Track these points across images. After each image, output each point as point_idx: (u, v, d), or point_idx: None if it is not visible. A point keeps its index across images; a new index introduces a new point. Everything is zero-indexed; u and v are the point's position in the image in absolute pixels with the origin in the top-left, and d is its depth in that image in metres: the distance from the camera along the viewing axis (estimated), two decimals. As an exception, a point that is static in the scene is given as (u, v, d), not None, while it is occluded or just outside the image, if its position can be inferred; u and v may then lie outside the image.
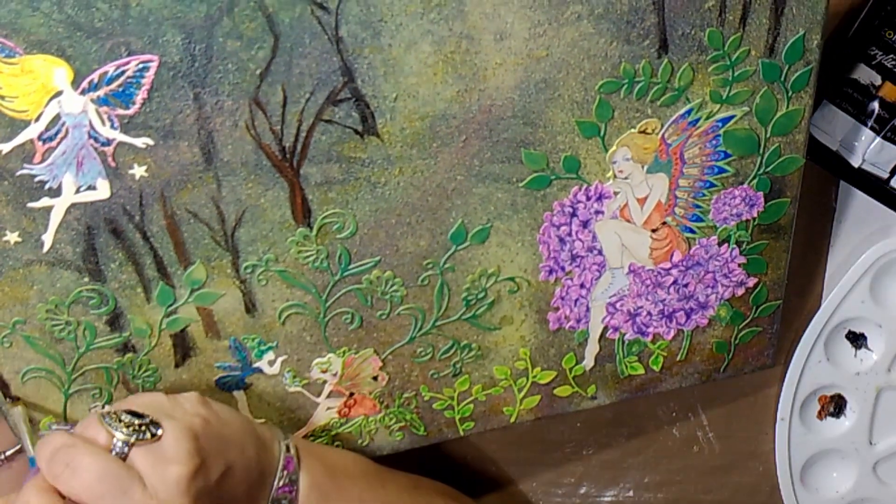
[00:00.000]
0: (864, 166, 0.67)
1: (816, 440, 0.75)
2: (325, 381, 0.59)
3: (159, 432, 0.49)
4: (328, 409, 0.61)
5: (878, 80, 0.65)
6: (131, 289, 0.53)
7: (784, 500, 0.75)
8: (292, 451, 0.55)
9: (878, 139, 0.66)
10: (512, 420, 0.64)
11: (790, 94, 0.56)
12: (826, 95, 0.65)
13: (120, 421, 0.49)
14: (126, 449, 0.48)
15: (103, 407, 0.56)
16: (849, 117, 0.66)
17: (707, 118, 0.56)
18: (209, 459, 0.49)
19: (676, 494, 0.75)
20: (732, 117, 0.56)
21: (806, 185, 0.61)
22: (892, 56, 0.63)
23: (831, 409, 0.74)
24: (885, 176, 0.67)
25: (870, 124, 0.65)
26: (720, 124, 0.56)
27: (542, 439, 0.74)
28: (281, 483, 0.53)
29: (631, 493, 0.75)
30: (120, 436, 0.48)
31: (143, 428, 0.49)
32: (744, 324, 0.65)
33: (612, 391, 0.65)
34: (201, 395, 0.53)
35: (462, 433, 0.64)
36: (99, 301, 0.53)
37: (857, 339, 0.73)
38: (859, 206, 0.70)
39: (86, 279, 0.52)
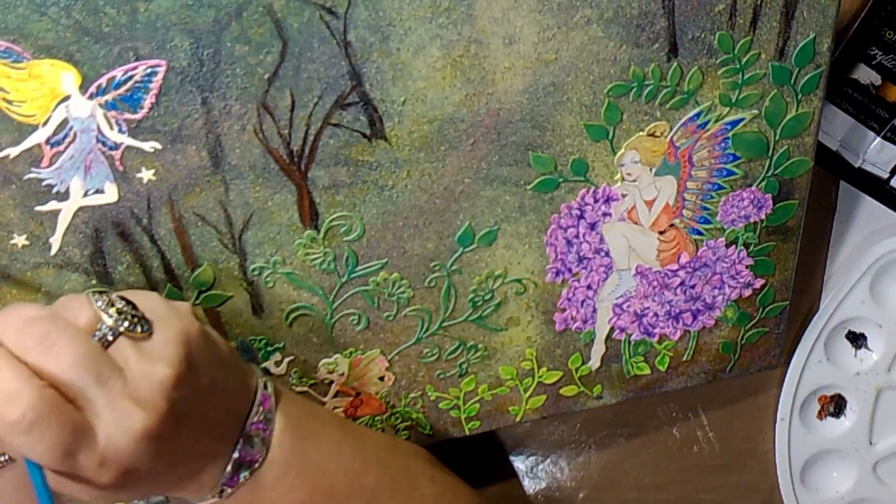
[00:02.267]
0: (864, 166, 0.67)
1: (816, 440, 0.75)
2: (331, 382, 0.59)
3: (149, 329, 0.44)
4: (335, 408, 0.61)
5: (878, 80, 0.65)
6: (139, 291, 0.53)
7: (784, 500, 0.75)
8: (270, 389, 0.51)
9: (878, 139, 0.66)
10: (518, 419, 0.65)
11: (800, 97, 0.55)
12: (826, 95, 0.65)
13: (111, 305, 0.44)
14: (111, 337, 0.43)
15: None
16: (849, 117, 0.66)
17: (716, 121, 0.55)
18: (196, 370, 0.45)
19: (676, 494, 0.76)
20: (742, 120, 0.56)
21: (806, 185, 0.61)
22: (892, 56, 0.63)
23: (831, 409, 0.74)
24: (885, 176, 0.67)
25: (870, 124, 0.65)
26: (729, 127, 0.56)
27: (543, 440, 0.74)
28: (255, 419, 0.49)
29: (631, 494, 0.75)
30: (108, 320, 0.43)
31: (136, 319, 0.44)
32: (750, 324, 0.65)
33: (618, 391, 0.65)
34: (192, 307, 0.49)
35: (468, 432, 0.64)
36: (106, 303, 0.53)
37: (857, 339, 0.73)
38: (859, 206, 0.70)
39: (93, 282, 0.52)
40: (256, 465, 0.49)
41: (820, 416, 0.75)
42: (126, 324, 0.44)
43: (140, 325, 0.44)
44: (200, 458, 0.48)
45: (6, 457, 0.47)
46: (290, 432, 0.51)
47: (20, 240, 0.50)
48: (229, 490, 0.49)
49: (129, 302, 0.45)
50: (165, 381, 0.44)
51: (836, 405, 0.74)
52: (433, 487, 0.58)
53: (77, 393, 0.42)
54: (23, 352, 0.41)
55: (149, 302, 0.46)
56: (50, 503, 0.42)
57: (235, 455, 0.48)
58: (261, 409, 0.50)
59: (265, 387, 0.51)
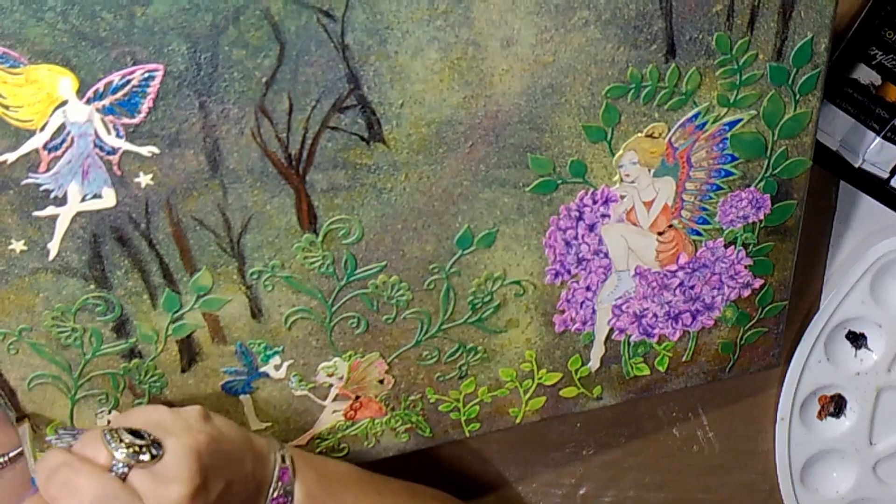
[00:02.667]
0: (864, 166, 0.67)
1: (816, 440, 0.75)
2: (330, 385, 0.59)
3: (160, 453, 0.48)
4: (334, 411, 0.61)
5: (878, 80, 0.64)
6: (137, 295, 0.53)
7: (784, 500, 0.75)
8: (287, 461, 0.54)
9: (878, 139, 0.65)
10: (518, 421, 0.64)
11: (798, 97, 0.55)
12: (826, 95, 0.65)
13: (121, 441, 0.48)
14: (126, 469, 0.47)
15: (109, 412, 0.56)
16: (849, 117, 0.66)
17: (714, 122, 0.55)
18: (210, 478, 0.49)
19: (676, 494, 0.75)
20: (740, 121, 0.56)
21: (805, 185, 0.61)
22: (892, 56, 0.63)
23: (831, 409, 0.74)
24: (885, 176, 0.67)
25: (870, 124, 0.65)
26: (727, 128, 0.56)
27: (543, 440, 0.74)
28: (276, 494, 0.53)
29: (631, 493, 0.75)
30: (120, 456, 0.48)
31: (144, 449, 0.48)
32: (749, 324, 0.64)
33: (618, 392, 0.65)
34: (203, 408, 0.53)
35: (468, 434, 0.64)
36: (105, 308, 0.53)
37: (857, 339, 0.73)
38: (859, 206, 0.70)
39: (92, 286, 0.52)
40: None
41: (820, 416, 0.74)
42: (136, 456, 0.47)
43: (150, 452, 0.48)
44: None
45: (5, 457, 0.48)
46: (310, 500, 0.54)
47: (18, 245, 0.50)
48: None
49: (136, 433, 0.48)
50: (181, 500, 0.47)
51: (836, 405, 0.74)
52: None
53: None
54: (50, 499, 0.46)
55: (158, 418, 0.50)
56: None
57: None
58: (280, 483, 0.53)
59: (283, 460, 0.54)
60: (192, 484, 0.48)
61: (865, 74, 0.64)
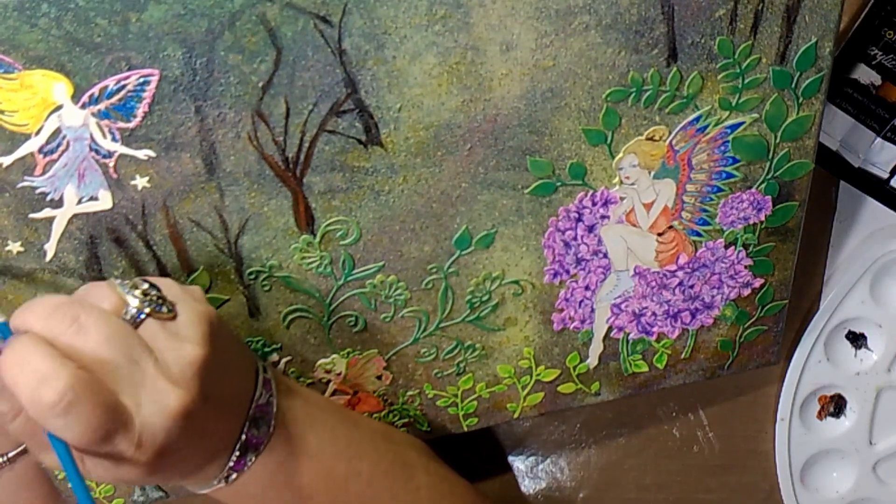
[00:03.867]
0: (864, 166, 0.66)
1: (816, 440, 0.75)
2: (328, 381, 0.60)
3: (174, 311, 0.44)
4: (332, 406, 0.61)
5: (878, 80, 0.64)
6: (134, 295, 0.53)
7: (784, 500, 0.76)
8: (269, 373, 0.51)
9: (878, 139, 0.65)
10: (515, 416, 0.65)
11: (801, 100, 0.55)
12: (826, 95, 0.65)
13: (136, 287, 0.44)
14: (140, 317, 0.43)
15: None
16: (849, 117, 0.65)
17: (716, 125, 0.55)
18: (219, 350, 0.45)
19: (677, 494, 0.76)
20: (741, 124, 0.55)
21: (805, 185, 0.61)
22: (892, 56, 0.63)
23: (831, 409, 0.74)
24: (885, 176, 0.67)
25: (870, 124, 0.65)
26: (729, 130, 0.55)
27: (543, 440, 0.74)
28: (261, 401, 0.49)
29: (631, 494, 0.76)
30: (134, 302, 0.43)
31: (161, 300, 0.44)
32: (749, 323, 0.64)
33: (616, 388, 0.65)
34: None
35: (465, 429, 0.64)
36: (102, 308, 0.53)
37: (857, 339, 0.73)
38: (859, 206, 0.70)
39: (89, 287, 0.52)
40: (262, 448, 0.49)
41: (820, 416, 0.75)
42: (152, 305, 0.43)
43: (165, 307, 0.44)
44: (217, 440, 0.47)
45: (5, 458, 0.47)
46: (289, 415, 0.51)
47: (15, 246, 0.50)
48: (235, 475, 0.48)
49: (152, 284, 0.44)
50: (196, 360, 0.43)
51: (836, 405, 0.74)
52: (428, 477, 0.58)
53: (110, 373, 0.41)
54: (53, 336, 0.40)
55: (167, 286, 0.46)
56: (82, 484, 0.41)
57: (243, 437, 0.48)
58: (264, 391, 0.49)
59: (265, 370, 0.51)
60: (207, 347, 0.44)
61: (865, 74, 0.63)
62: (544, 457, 0.74)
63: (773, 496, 0.75)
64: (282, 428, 0.50)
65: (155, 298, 0.44)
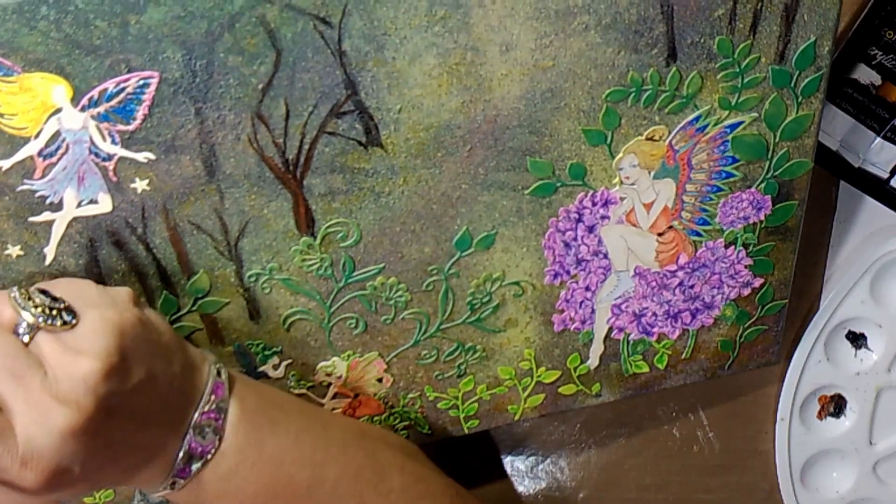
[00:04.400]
0: (864, 166, 0.66)
1: (816, 440, 0.75)
2: (329, 384, 0.59)
3: (73, 321, 0.43)
4: (333, 409, 0.61)
5: (878, 80, 0.64)
6: (134, 299, 0.53)
7: (784, 500, 0.76)
8: (223, 376, 0.49)
9: (878, 139, 0.65)
10: (516, 418, 0.65)
11: (800, 99, 0.55)
12: (826, 95, 0.65)
13: (30, 300, 0.43)
14: (30, 332, 0.42)
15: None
16: (849, 117, 0.65)
17: (716, 124, 0.55)
18: (130, 362, 0.43)
19: (677, 494, 0.76)
20: (741, 123, 0.55)
21: (805, 185, 0.61)
22: (892, 56, 0.63)
23: (831, 409, 0.74)
24: (885, 176, 0.67)
25: (870, 124, 0.65)
26: (728, 130, 0.55)
27: (543, 440, 0.74)
28: (206, 408, 0.47)
29: (631, 494, 0.76)
30: (27, 316, 0.42)
31: (56, 312, 0.42)
32: (749, 322, 0.64)
33: (617, 389, 0.65)
34: (135, 293, 0.48)
35: (466, 431, 0.64)
36: (102, 311, 0.52)
37: (857, 339, 0.73)
38: (859, 206, 0.70)
39: (89, 290, 0.52)
40: (209, 457, 0.48)
41: (820, 415, 0.75)
42: (45, 318, 0.42)
43: (61, 317, 0.43)
44: (145, 450, 0.46)
45: None
46: (245, 421, 0.49)
47: (14, 250, 0.49)
48: (182, 482, 0.48)
49: (49, 294, 0.43)
50: (90, 375, 0.42)
51: (836, 405, 0.74)
52: (402, 478, 0.56)
53: None
54: None
55: (80, 290, 0.45)
56: None
57: (186, 447, 0.47)
58: (212, 397, 0.48)
59: (218, 374, 0.49)
60: (106, 360, 0.42)
61: (865, 74, 0.64)
62: (544, 457, 0.74)
63: (773, 496, 0.76)
64: (235, 434, 0.49)
65: (48, 310, 0.43)
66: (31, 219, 0.49)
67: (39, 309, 0.42)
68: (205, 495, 0.49)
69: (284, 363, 0.58)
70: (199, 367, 0.49)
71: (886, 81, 0.63)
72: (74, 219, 0.49)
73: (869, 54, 0.63)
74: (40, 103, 0.46)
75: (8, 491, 0.44)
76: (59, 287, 0.45)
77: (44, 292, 0.44)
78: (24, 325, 0.42)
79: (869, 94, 0.64)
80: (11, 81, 0.45)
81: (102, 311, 0.44)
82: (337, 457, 0.53)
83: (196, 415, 0.47)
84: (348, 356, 0.58)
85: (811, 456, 0.75)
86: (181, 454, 0.47)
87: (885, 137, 0.64)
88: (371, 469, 0.55)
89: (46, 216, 0.49)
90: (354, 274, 0.55)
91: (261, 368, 0.57)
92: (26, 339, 0.42)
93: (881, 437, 0.75)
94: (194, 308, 0.54)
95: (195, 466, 0.48)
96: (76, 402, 0.42)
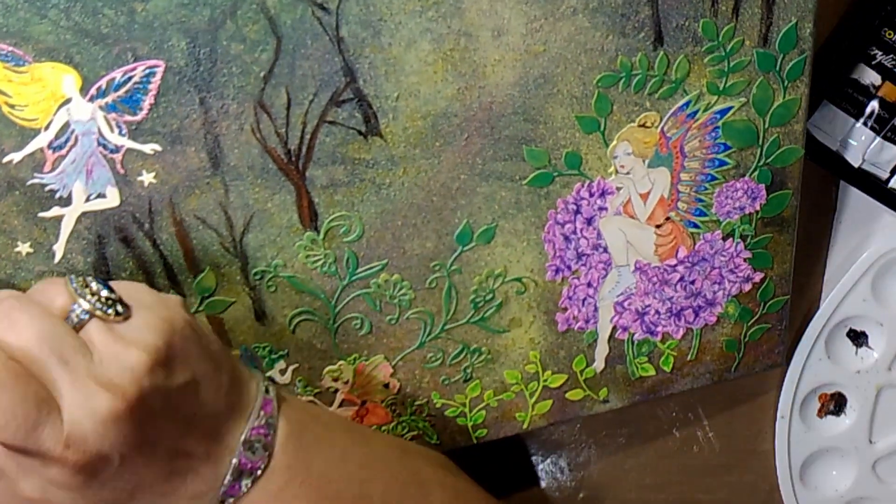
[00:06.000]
0: (863, 166, 0.67)
1: (816, 438, 0.75)
2: (336, 390, 0.59)
3: (126, 313, 0.43)
4: (341, 419, 0.61)
5: (878, 80, 0.65)
6: (142, 298, 0.53)
7: (784, 499, 0.75)
8: (272, 394, 0.49)
9: (878, 139, 0.66)
10: (525, 426, 0.64)
11: (786, 83, 0.56)
12: (826, 95, 0.66)
13: (86, 287, 0.43)
14: (84, 318, 0.43)
15: None
16: (849, 117, 0.66)
17: (705, 110, 0.56)
18: (176, 361, 0.44)
19: (676, 494, 0.75)
20: (730, 108, 0.57)
21: (806, 185, 0.62)
22: (892, 56, 0.64)
23: (831, 408, 0.74)
24: (885, 176, 0.67)
25: (870, 124, 0.66)
26: (718, 116, 0.57)
27: (543, 440, 0.73)
28: (257, 423, 0.48)
29: (631, 494, 0.75)
30: (83, 303, 0.43)
31: (111, 302, 0.43)
32: (752, 321, 0.65)
33: (624, 394, 0.65)
34: (186, 301, 0.49)
35: (475, 440, 0.64)
36: (110, 311, 0.53)
37: (857, 338, 0.73)
38: (859, 206, 0.71)
39: (97, 289, 0.52)
40: (259, 473, 0.48)
41: (820, 414, 0.74)
42: (100, 305, 0.43)
43: (115, 308, 0.44)
44: (187, 457, 0.46)
45: None
46: (293, 439, 0.49)
47: (24, 248, 0.50)
48: (231, 500, 0.47)
49: (106, 285, 0.44)
50: (137, 366, 0.42)
51: (836, 403, 0.74)
52: (443, 493, 0.57)
53: (40, 371, 0.41)
54: None
55: (134, 291, 0.46)
56: None
57: (235, 461, 0.47)
58: (262, 413, 0.48)
59: (267, 391, 0.50)
60: (154, 354, 0.43)
61: (865, 74, 0.65)
62: (544, 457, 0.74)
63: (772, 496, 0.75)
64: (284, 452, 0.49)
65: (104, 299, 0.44)
66: (41, 214, 0.50)
67: (95, 297, 0.43)
68: None
69: (291, 368, 0.58)
70: (248, 382, 0.49)
71: (886, 81, 0.65)
72: (83, 214, 0.50)
73: (869, 54, 0.64)
74: (50, 94, 0.47)
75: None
76: (114, 285, 0.46)
77: (101, 282, 0.44)
78: (79, 310, 0.43)
79: (869, 94, 0.65)
80: (23, 72, 0.46)
81: (155, 310, 0.45)
82: (382, 473, 0.54)
83: (246, 430, 0.48)
84: (354, 359, 0.59)
85: (811, 454, 0.75)
86: (231, 470, 0.47)
87: (885, 137, 0.65)
88: (414, 485, 0.55)
89: (56, 211, 0.50)
90: (358, 271, 0.56)
91: (268, 373, 0.57)
92: (78, 325, 0.43)
93: (881, 435, 0.75)
94: (201, 308, 0.54)
95: (245, 483, 0.47)
96: (121, 389, 0.42)
